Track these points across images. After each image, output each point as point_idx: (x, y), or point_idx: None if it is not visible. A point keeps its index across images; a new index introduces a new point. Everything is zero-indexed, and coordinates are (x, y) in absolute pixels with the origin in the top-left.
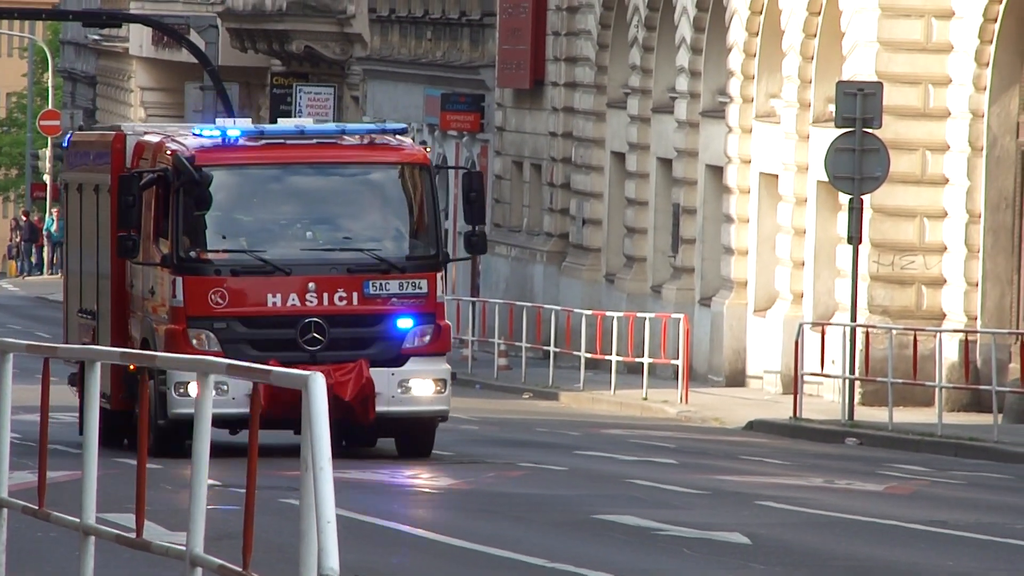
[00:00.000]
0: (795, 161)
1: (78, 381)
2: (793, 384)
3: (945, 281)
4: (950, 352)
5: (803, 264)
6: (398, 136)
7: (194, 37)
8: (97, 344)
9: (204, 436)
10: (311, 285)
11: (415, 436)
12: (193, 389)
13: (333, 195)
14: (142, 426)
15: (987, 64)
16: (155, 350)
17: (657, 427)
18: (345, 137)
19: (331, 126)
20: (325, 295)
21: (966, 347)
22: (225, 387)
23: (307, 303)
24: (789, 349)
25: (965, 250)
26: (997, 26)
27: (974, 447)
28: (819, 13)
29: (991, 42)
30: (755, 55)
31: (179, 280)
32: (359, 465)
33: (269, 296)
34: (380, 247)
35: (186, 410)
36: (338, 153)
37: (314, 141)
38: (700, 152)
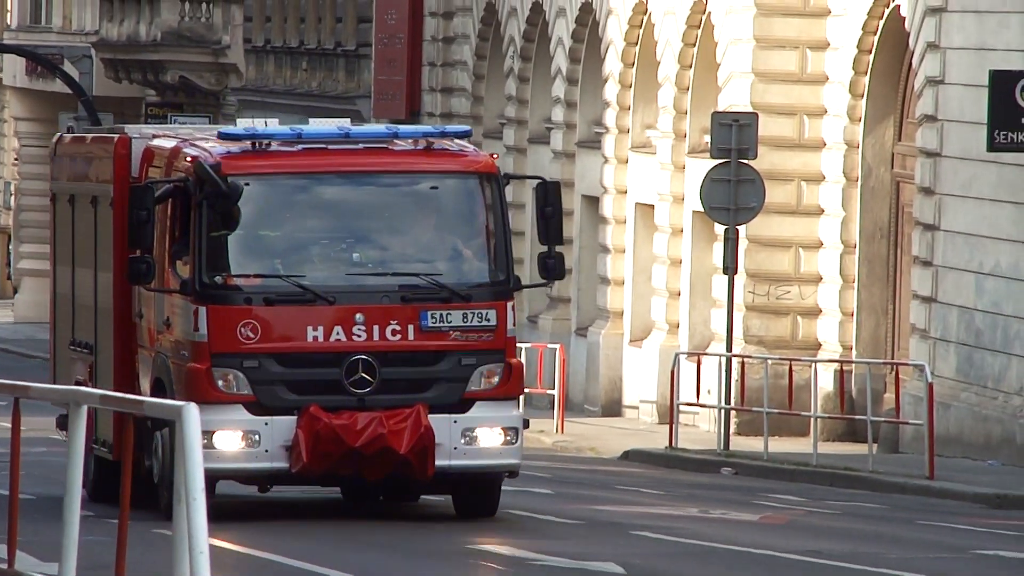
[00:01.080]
0: (671, 191)
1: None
2: (669, 414)
3: (820, 311)
4: (825, 382)
5: (679, 294)
6: (459, 140)
7: (68, 67)
8: (96, 384)
9: (76, 466)
10: (359, 316)
11: (478, 493)
12: (220, 440)
13: (384, 210)
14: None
15: (862, 95)
16: (172, 392)
17: (533, 457)
18: (397, 141)
19: (380, 128)
20: (375, 328)
21: (841, 377)
22: (256, 436)
23: (354, 338)
24: (665, 379)
25: (840, 280)
26: (871, 57)
27: (849, 476)
28: (694, 44)
29: (866, 73)
30: (631, 86)
31: (202, 310)
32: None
33: (309, 329)
34: (440, 271)
35: (212, 464)
36: (390, 161)
37: (361, 146)
38: (576, 182)
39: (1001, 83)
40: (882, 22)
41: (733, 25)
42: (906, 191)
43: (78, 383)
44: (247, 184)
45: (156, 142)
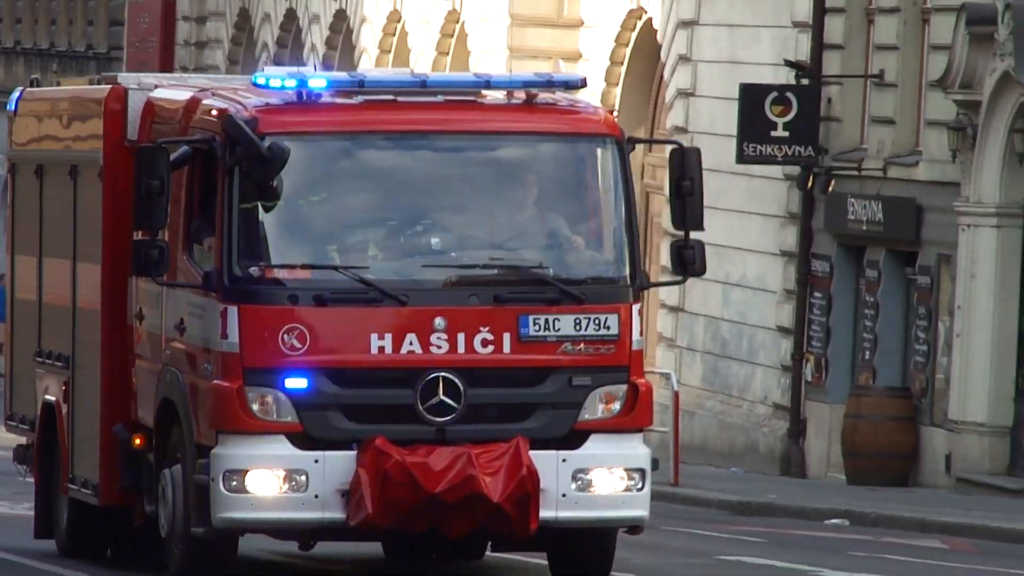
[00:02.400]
0: None
1: (33, 458)
2: None
3: None
4: None
5: None
6: (569, 92)
7: None
8: (74, 407)
9: None
10: (439, 322)
11: (586, 551)
12: (255, 482)
13: (472, 182)
14: None
15: (613, 106)
16: (187, 419)
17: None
18: (488, 93)
19: (467, 76)
20: (461, 337)
21: None
22: (303, 478)
23: (433, 349)
24: None
25: None
26: (623, 69)
27: None
28: (448, 53)
29: (617, 84)
30: None
31: (232, 311)
32: None
33: (374, 338)
34: (545, 263)
35: (243, 514)
36: (480, 118)
37: (441, 98)
38: None
39: (751, 96)
40: (634, 34)
41: (487, 35)
42: (656, 202)
43: (47, 405)
44: (292, 146)
45: (161, 94)
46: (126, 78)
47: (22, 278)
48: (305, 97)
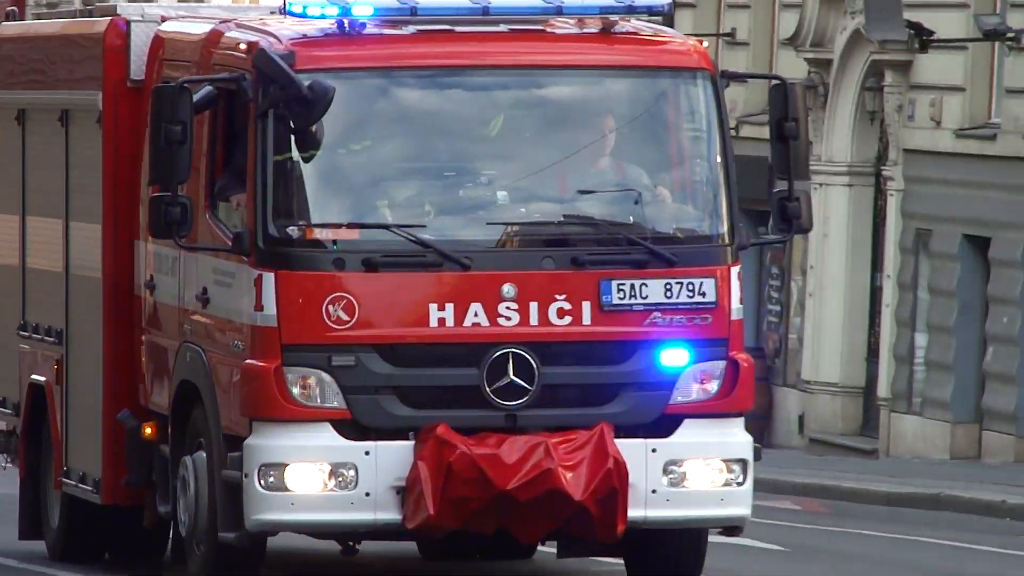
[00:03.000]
0: None
1: (19, 447)
2: None
3: None
4: None
5: None
6: (652, 17)
7: None
8: (69, 388)
9: None
10: (508, 289)
11: (672, 552)
12: (296, 477)
13: (544, 126)
14: None
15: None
16: (212, 404)
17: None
18: (558, 22)
19: (535, 2)
20: (534, 307)
21: None
22: (351, 472)
23: (501, 321)
24: None
25: None
26: None
27: None
28: None
29: None
30: None
31: (268, 278)
32: None
33: (433, 308)
34: (629, 220)
35: (282, 515)
36: (554, 50)
37: (504, 28)
38: None
39: None
40: None
41: None
42: None
43: (34, 386)
44: (335, 85)
45: (173, 27)
46: (127, 8)
47: (1, 240)
48: (348, 28)
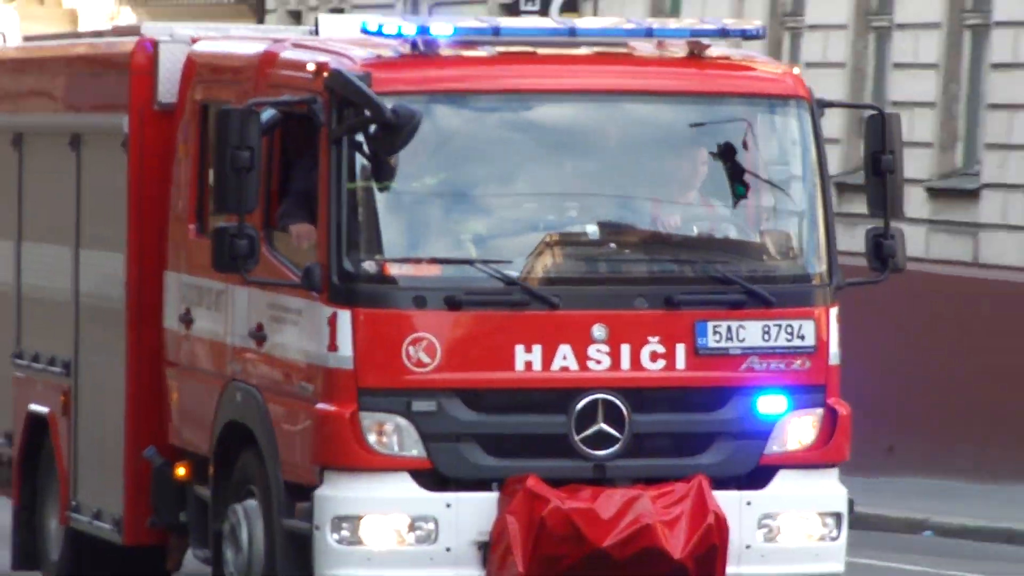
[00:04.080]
0: None
1: (13, 477)
2: None
3: None
4: None
5: None
6: (746, 41)
7: None
8: (76, 420)
9: None
10: (598, 331)
11: None
12: (371, 531)
13: (635, 156)
14: None
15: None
16: (271, 447)
17: None
18: (642, 45)
19: (624, 24)
20: (625, 350)
21: None
22: (431, 526)
23: (591, 365)
24: None
25: None
26: None
27: None
28: None
29: None
30: None
31: (343, 317)
32: None
33: (519, 350)
34: (725, 258)
35: (356, 571)
36: (647, 75)
37: (588, 51)
38: None
39: None
40: None
41: None
42: None
43: (33, 416)
44: (427, 108)
45: (208, 47)
46: (152, 29)
47: None
48: (423, 48)
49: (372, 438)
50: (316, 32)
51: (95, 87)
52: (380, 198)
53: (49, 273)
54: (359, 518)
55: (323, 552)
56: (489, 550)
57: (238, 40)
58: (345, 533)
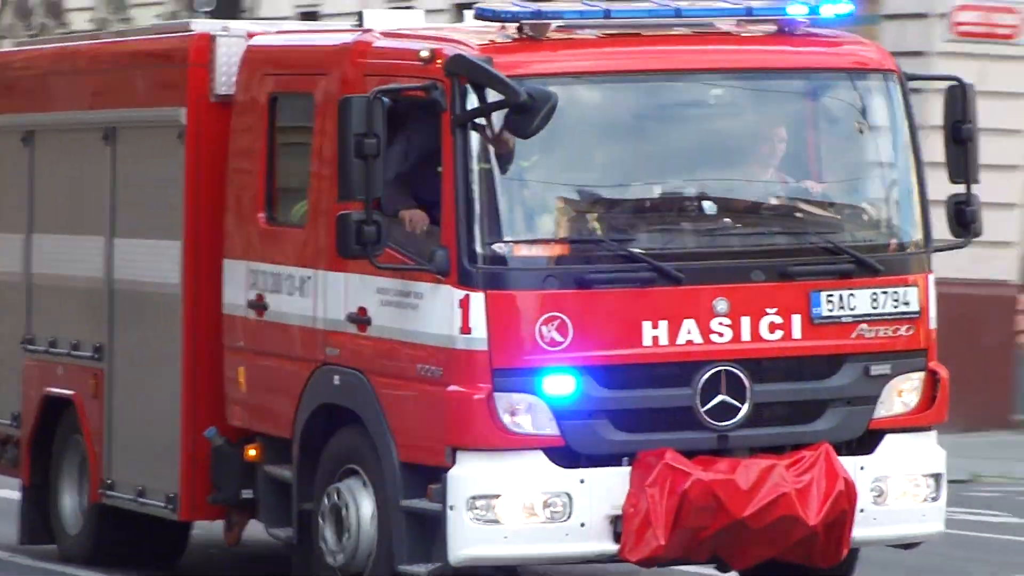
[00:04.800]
0: None
1: (24, 457)
2: None
3: None
4: None
5: None
6: (818, 16)
7: None
8: (108, 401)
9: None
10: (719, 303)
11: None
12: (508, 510)
13: (742, 131)
14: None
15: None
16: (382, 430)
17: None
18: (717, 23)
19: (724, 4)
20: (745, 322)
21: None
22: (565, 502)
23: (713, 338)
24: None
25: None
26: None
27: None
28: None
29: None
30: None
31: (478, 300)
32: None
33: (646, 327)
34: (833, 228)
35: (494, 550)
36: (757, 54)
37: (685, 31)
38: None
39: None
40: None
41: None
42: None
43: (49, 400)
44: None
45: (276, 40)
46: (201, 24)
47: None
48: (531, 32)
49: (507, 418)
50: (360, 26)
51: (147, 81)
52: (507, 180)
53: (75, 262)
54: (495, 497)
55: (458, 531)
56: (623, 524)
57: (306, 33)
58: (480, 512)
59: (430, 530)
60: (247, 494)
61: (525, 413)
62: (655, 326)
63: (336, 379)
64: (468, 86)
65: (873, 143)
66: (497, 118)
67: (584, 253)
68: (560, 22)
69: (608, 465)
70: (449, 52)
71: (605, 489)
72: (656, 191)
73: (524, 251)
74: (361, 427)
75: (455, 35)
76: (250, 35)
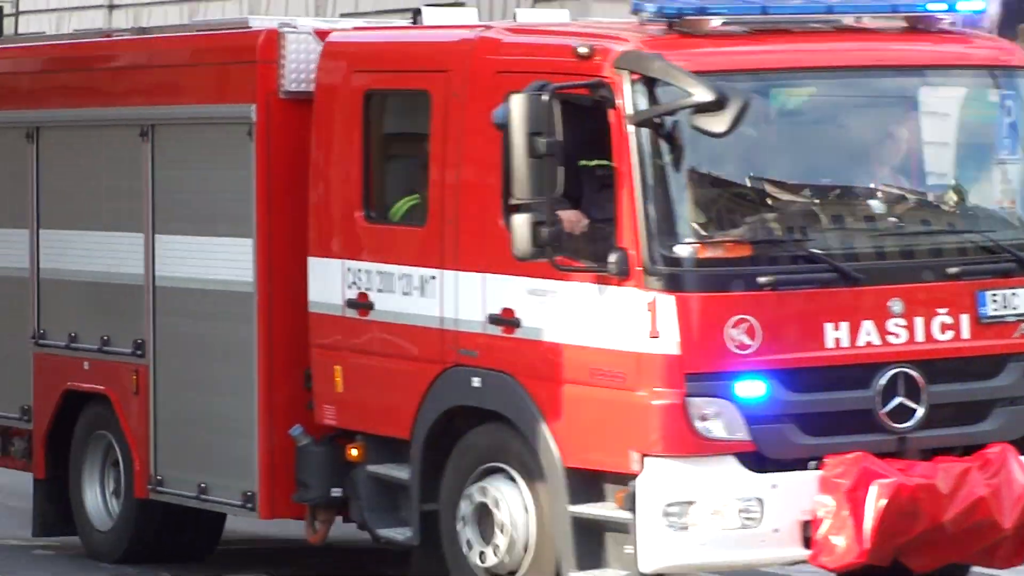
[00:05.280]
0: None
1: (38, 454)
2: None
3: None
4: None
5: None
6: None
7: None
8: (152, 398)
9: None
10: (895, 304)
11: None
12: (701, 517)
13: (903, 129)
14: None
15: None
16: (540, 434)
17: None
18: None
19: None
20: (919, 322)
21: None
22: (756, 509)
23: (890, 339)
24: None
25: None
26: None
27: None
28: None
29: None
30: None
31: (667, 303)
32: None
33: (828, 328)
34: (992, 227)
35: (689, 558)
36: (909, 50)
37: (827, 26)
38: None
39: None
40: None
41: None
42: None
43: (71, 394)
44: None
45: (363, 37)
46: (263, 21)
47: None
48: (686, 27)
49: (700, 423)
50: (416, 22)
51: (209, 78)
52: (689, 180)
53: (101, 258)
54: (689, 503)
55: (651, 539)
56: (814, 529)
57: (399, 30)
58: (675, 519)
59: (598, 535)
60: (336, 492)
61: (716, 418)
62: (836, 327)
63: (475, 381)
64: (643, 83)
65: (1017, 140)
66: (678, 116)
67: (765, 253)
68: (722, 18)
69: (795, 469)
70: (613, 48)
71: (795, 494)
72: (828, 190)
73: (709, 252)
74: (504, 427)
75: (598, 30)
76: (317, 32)
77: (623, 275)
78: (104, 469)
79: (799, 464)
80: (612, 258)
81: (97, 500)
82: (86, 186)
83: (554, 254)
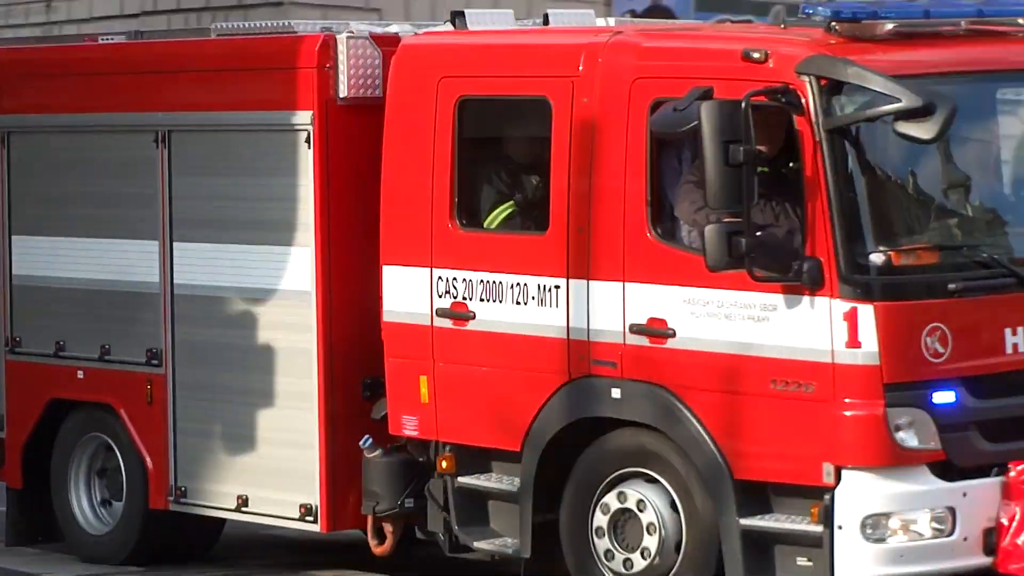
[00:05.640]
0: None
1: (13, 463)
2: None
3: None
4: None
5: None
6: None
7: None
8: (171, 408)
9: None
10: None
11: None
12: (903, 526)
13: None
14: None
15: None
16: (702, 444)
17: None
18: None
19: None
20: None
21: None
22: (948, 519)
23: None
24: None
25: None
26: None
27: None
28: None
29: None
30: None
31: (866, 312)
32: None
33: (1007, 334)
34: None
35: (886, 569)
36: None
37: (964, 30)
38: None
39: None
40: None
41: None
42: None
43: (57, 403)
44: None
45: (447, 41)
46: (308, 26)
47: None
48: (855, 31)
49: (897, 434)
50: (457, 26)
51: (258, 84)
52: (881, 186)
53: (108, 266)
54: (887, 516)
55: (851, 552)
56: (999, 535)
57: (489, 35)
58: (873, 531)
59: (765, 547)
60: (409, 504)
61: (911, 428)
62: (1014, 333)
63: (615, 392)
64: (830, 88)
65: None
66: (874, 122)
67: (950, 260)
68: (894, 22)
69: (978, 477)
70: (792, 52)
71: (982, 501)
72: (999, 192)
73: (903, 260)
74: (640, 432)
75: (749, 33)
76: (374, 37)
77: (815, 284)
78: (90, 476)
79: (982, 471)
80: (804, 267)
81: (85, 507)
82: (88, 192)
83: (752, 265)
